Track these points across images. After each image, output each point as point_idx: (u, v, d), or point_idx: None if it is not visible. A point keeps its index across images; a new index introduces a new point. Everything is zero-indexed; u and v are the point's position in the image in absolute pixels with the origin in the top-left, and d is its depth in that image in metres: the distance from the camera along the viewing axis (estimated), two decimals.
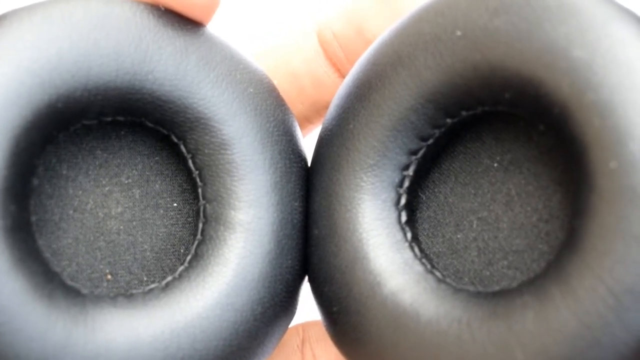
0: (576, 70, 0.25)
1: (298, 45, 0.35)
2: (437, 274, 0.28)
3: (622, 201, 0.24)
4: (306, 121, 0.36)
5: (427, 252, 0.29)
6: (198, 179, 0.30)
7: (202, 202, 0.30)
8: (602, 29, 0.25)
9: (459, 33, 0.27)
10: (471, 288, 0.28)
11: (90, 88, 0.28)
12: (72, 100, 0.27)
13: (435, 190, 0.30)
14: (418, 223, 0.30)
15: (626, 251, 0.24)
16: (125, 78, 0.28)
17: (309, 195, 0.31)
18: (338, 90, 0.31)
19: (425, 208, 0.30)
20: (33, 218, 0.28)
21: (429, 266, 0.28)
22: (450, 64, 0.27)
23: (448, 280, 0.28)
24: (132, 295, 0.29)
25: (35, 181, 0.29)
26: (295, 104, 0.35)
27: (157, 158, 0.30)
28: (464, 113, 0.28)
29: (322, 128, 0.31)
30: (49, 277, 0.27)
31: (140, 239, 0.30)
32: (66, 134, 0.29)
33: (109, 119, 0.29)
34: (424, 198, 0.30)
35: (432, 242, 0.29)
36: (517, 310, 0.25)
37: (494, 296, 0.27)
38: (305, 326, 0.35)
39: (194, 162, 0.29)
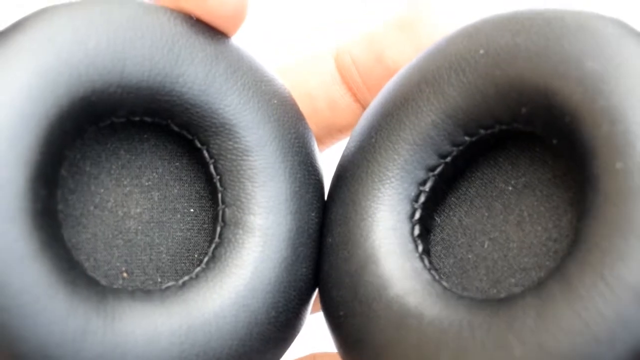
0: (589, 79, 0.26)
1: (316, 67, 0.36)
2: (444, 284, 0.29)
3: (627, 200, 0.24)
4: (319, 142, 0.37)
5: (437, 270, 0.30)
6: (218, 184, 0.30)
7: (221, 206, 0.30)
8: (617, 45, 0.26)
9: (482, 52, 0.28)
10: (478, 296, 0.29)
11: (124, 85, 0.28)
12: (105, 95, 0.28)
13: (451, 214, 0.30)
14: (431, 245, 0.30)
15: (628, 249, 0.24)
16: (156, 79, 0.29)
17: (327, 206, 0.31)
18: (365, 111, 0.32)
19: (439, 231, 0.30)
20: (60, 207, 0.29)
21: (437, 277, 0.29)
22: (472, 81, 0.28)
23: (454, 289, 0.29)
24: (149, 291, 0.29)
25: (64, 172, 0.29)
26: (309, 124, 0.36)
27: (177, 164, 0.31)
28: (482, 132, 0.29)
29: (347, 144, 0.32)
30: (73, 264, 0.28)
31: (157, 241, 0.31)
32: (93, 131, 0.30)
33: (137, 118, 0.30)
34: (439, 221, 0.30)
35: (443, 263, 0.30)
36: (519, 309, 0.26)
37: (498, 302, 0.27)
38: (317, 356, 0.35)
39: (215, 167, 0.30)
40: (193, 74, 0.29)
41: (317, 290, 0.32)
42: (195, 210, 0.31)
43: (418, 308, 0.28)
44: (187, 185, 0.31)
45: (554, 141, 0.28)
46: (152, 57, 0.29)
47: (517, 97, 0.27)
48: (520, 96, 0.27)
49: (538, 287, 0.26)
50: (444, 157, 0.30)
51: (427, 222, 0.30)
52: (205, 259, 0.30)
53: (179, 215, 0.31)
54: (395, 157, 0.30)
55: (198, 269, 0.30)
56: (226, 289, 0.29)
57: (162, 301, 0.29)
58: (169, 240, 0.31)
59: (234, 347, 0.29)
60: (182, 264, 0.31)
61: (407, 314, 0.28)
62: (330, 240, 0.30)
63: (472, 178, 0.30)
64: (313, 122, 0.36)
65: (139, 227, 0.30)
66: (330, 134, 0.37)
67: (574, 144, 0.26)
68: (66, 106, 0.27)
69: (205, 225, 0.31)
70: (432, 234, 0.30)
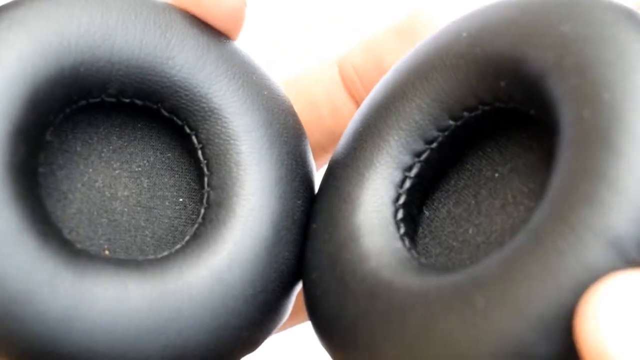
0: (560, 41, 0.26)
1: (319, 74, 0.37)
2: (423, 260, 0.29)
3: (592, 145, 0.24)
4: (322, 150, 0.38)
5: (422, 261, 0.30)
6: (205, 168, 0.31)
7: (206, 189, 0.31)
8: (591, 10, 0.27)
9: (464, 34, 0.29)
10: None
11: (114, 61, 0.30)
12: (94, 69, 0.30)
13: (440, 206, 0.31)
14: (419, 238, 0.30)
15: (592, 191, 0.24)
16: (146, 59, 0.30)
17: (316, 199, 0.32)
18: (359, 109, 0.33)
19: (427, 224, 0.31)
20: (41, 169, 0.30)
21: (415, 255, 0.29)
22: (454, 62, 0.29)
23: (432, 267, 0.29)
24: (125, 260, 0.29)
25: (49, 137, 0.30)
26: (313, 132, 0.37)
27: (169, 154, 0.32)
28: (466, 114, 0.29)
29: (338, 145, 0.33)
30: (47, 221, 0.28)
31: (142, 224, 0.31)
32: (84, 107, 0.31)
33: (128, 100, 0.31)
34: (428, 214, 0.31)
35: (429, 253, 0.30)
36: (484, 266, 0.26)
37: (467, 266, 0.27)
38: None
39: (203, 153, 0.31)
40: (183, 58, 0.31)
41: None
42: (184, 200, 0.32)
43: (390, 279, 0.28)
44: (177, 176, 0.32)
45: (532, 112, 0.28)
46: (143, 38, 0.30)
47: (496, 71, 0.28)
48: (498, 70, 0.28)
49: (503, 243, 0.26)
50: (429, 142, 0.30)
51: (412, 209, 0.30)
52: (187, 238, 0.30)
53: (167, 203, 0.32)
54: (381, 142, 0.30)
55: (178, 245, 0.30)
56: (203, 262, 0.29)
57: (136, 268, 0.29)
58: (155, 225, 0.31)
59: (206, 318, 0.29)
60: (166, 247, 0.31)
61: (379, 285, 0.28)
62: (314, 226, 0.31)
63: (461, 171, 0.31)
64: (317, 129, 0.37)
65: (125, 209, 0.31)
66: (335, 140, 0.37)
67: (547, 108, 0.27)
68: (54, 73, 0.29)
69: (194, 216, 0.31)
70: (420, 228, 0.30)
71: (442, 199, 0.31)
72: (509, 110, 0.29)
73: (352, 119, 0.32)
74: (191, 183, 0.32)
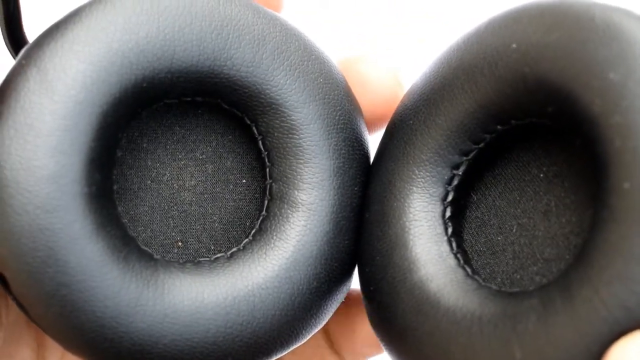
0: (608, 91, 0.26)
1: None
2: (468, 269, 0.30)
3: (629, 221, 0.25)
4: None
5: (468, 249, 0.31)
6: (267, 159, 0.32)
7: (268, 181, 0.32)
8: None
9: (514, 46, 0.29)
10: (494, 286, 0.30)
11: (174, 71, 0.30)
12: (156, 81, 0.30)
13: (486, 192, 0.32)
14: (467, 222, 0.32)
15: (625, 269, 0.25)
16: (205, 63, 0.31)
17: (368, 181, 0.33)
18: (408, 89, 0.33)
19: (474, 208, 0.32)
20: (115, 186, 0.31)
21: (461, 261, 0.30)
22: (503, 75, 0.29)
23: (476, 276, 0.30)
24: (199, 262, 0.31)
25: (119, 153, 0.31)
26: None
27: (230, 137, 0.33)
28: (513, 122, 0.30)
29: (389, 121, 0.34)
30: (126, 241, 0.30)
31: (210, 211, 0.33)
32: (149, 111, 0.32)
33: (189, 99, 0.32)
34: (475, 199, 0.32)
35: (475, 240, 0.31)
36: (524, 311, 0.27)
37: (509, 296, 0.29)
38: None
39: (263, 144, 0.32)
40: (241, 56, 0.31)
41: None
42: (247, 181, 0.33)
43: (436, 295, 0.29)
44: (239, 157, 0.33)
45: (578, 142, 0.28)
46: (201, 42, 0.30)
47: (544, 96, 0.28)
48: (547, 96, 0.28)
49: (544, 290, 0.27)
50: (477, 143, 0.31)
51: (460, 202, 0.31)
52: (253, 231, 0.32)
53: (231, 186, 0.33)
54: (430, 141, 0.31)
55: (245, 240, 0.32)
56: (270, 262, 0.31)
57: (209, 273, 0.31)
58: (222, 210, 0.33)
59: (276, 316, 0.31)
60: (235, 232, 0.33)
61: (425, 301, 0.29)
62: (367, 215, 0.32)
63: (509, 159, 0.31)
64: None
65: (194, 199, 0.33)
66: None
67: (592, 151, 0.27)
68: (118, 93, 0.29)
69: (257, 195, 0.33)
70: (467, 211, 0.32)
71: (488, 185, 0.32)
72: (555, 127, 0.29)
73: (403, 102, 0.33)
74: (252, 163, 0.33)
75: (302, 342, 0.32)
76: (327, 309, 0.33)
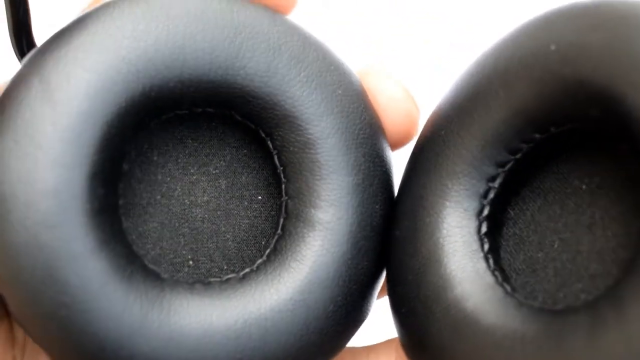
0: None
1: None
2: (507, 287, 0.28)
3: None
4: None
5: (506, 268, 0.29)
6: (282, 175, 0.30)
7: (284, 198, 0.30)
8: None
9: (553, 47, 0.27)
10: (535, 304, 0.28)
11: (184, 80, 0.28)
12: (165, 91, 0.28)
13: (524, 207, 0.30)
14: (504, 239, 0.30)
15: None
16: (217, 72, 0.29)
17: (398, 195, 0.31)
18: (440, 99, 0.31)
19: (512, 224, 0.30)
20: (121, 201, 0.29)
21: (500, 279, 0.29)
22: (541, 77, 0.27)
23: (516, 294, 0.28)
24: (209, 283, 0.30)
25: (126, 166, 0.30)
26: None
27: (245, 151, 0.31)
28: (552, 129, 0.28)
29: (421, 131, 0.32)
30: (131, 260, 0.28)
31: (223, 229, 0.31)
32: (159, 122, 0.30)
33: (200, 110, 0.30)
34: (512, 214, 0.30)
35: (514, 259, 0.29)
36: (570, 329, 0.25)
37: (553, 314, 0.27)
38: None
39: (279, 159, 0.30)
40: (255, 66, 0.29)
41: (383, 279, 0.32)
42: (263, 197, 0.31)
43: (475, 314, 0.27)
44: (255, 172, 0.31)
45: (624, 147, 0.26)
46: (213, 50, 0.29)
47: (587, 98, 0.26)
48: (590, 98, 0.26)
49: (592, 306, 0.25)
50: (514, 153, 0.29)
51: (497, 217, 0.29)
52: (267, 251, 0.30)
53: (246, 203, 0.31)
54: (464, 152, 0.29)
55: (259, 260, 0.30)
56: (284, 284, 0.29)
57: (220, 294, 0.29)
58: (236, 227, 0.31)
59: (289, 342, 0.29)
60: (249, 251, 0.31)
61: (463, 320, 0.28)
62: (398, 233, 0.30)
63: (547, 172, 0.29)
64: None
65: (206, 216, 0.31)
66: None
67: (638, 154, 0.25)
68: (124, 103, 0.28)
69: (273, 213, 0.31)
70: (505, 227, 0.30)
71: (526, 200, 0.30)
72: (599, 133, 0.28)
73: (433, 114, 0.31)
74: (269, 179, 0.31)
75: None
76: (344, 334, 0.31)
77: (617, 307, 0.24)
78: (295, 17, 0.32)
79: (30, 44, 0.30)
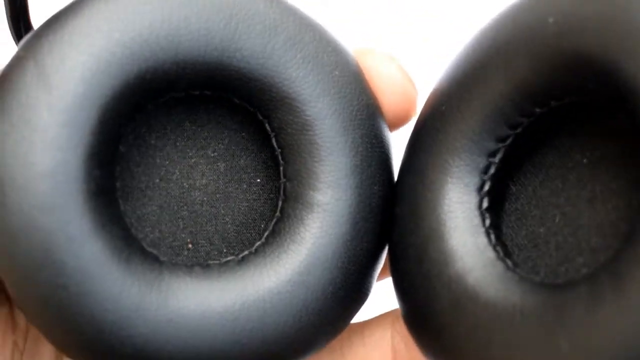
0: None
1: None
2: (508, 262, 0.28)
3: None
4: None
5: (508, 243, 0.29)
6: (280, 157, 0.30)
7: (282, 180, 0.30)
8: None
9: (550, 20, 0.27)
10: (537, 279, 0.28)
11: (179, 62, 0.28)
12: (160, 73, 0.28)
13: (526, 182, 0.30)
14: (506, 214, 0.30)
15: None
16: (213, 54, 0.29)
17: (400, 173, 0.31)
18: (440, 74, 0.31)
19: (514, 200, 0.30)
20: (118, 184, 0.29)
21: (501, 254, 0.28)
22: (540, 51, 0.27)
23: (517, 269, 0.28)
24: (208, 265, 0.29)
25: (123, 148, 0.29)
26: None
27: (243, 133, 0.31)
28: (552, 103, 0.28)
29: (421, 109, 0.32)
30: (129, 242, 0.28)
31: (222, 212, 0.31)
32: (155, 105, 0.30)
33: (197, 92, 0.30)
34: (514, 190, 0.30)
35: (515, 234, 0.29)
36: (569, 302, 0.25)
37: (553, 287, 0.27)
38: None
39: (277, 141, 0.30)
40: (251, 47, 0.29)
41: (385, 258, 0.32)
42: (261, 180, 0.31)
43: (475, 288, 0.27)
44: (254, 155, 0.31)
45: (623, 118, 0.26)
46: (208, 32, 0.29)
47: (585, 71, 0.26)
48: (588, 70, 0.26)
49: (591, 279, 0.25)
50: (514, 127, 0.29)
51: (498, 193, 0.29)
52: (266, 234, 0.30)
53: (245, 186, 0.31)
54: (464, 127, 0.29)
55: (258, 243, 0.30)
56: (282, 265, 0.29)
57: (218, 277, 0.29)
58: (235, 210, 0.31)
59: (288, 323, 0.29)
60: (248, 234, 0.31)
61: (463, 295, 0.28)
62: (399, 210, 0.30)
63: (549, 146, 0.29)
64: None
65: (205, 199, 0.31)
66: None
67: (638, 126, 0.25)
68: (119, 86, 0.28)
69: (272, 196, 0.31)
70: (507, 203, 0.30)
71: (528, 175, 0.30)
72: (599, 105, 0.27)
73: (433, 90, 0.31)
74: (268, 161, 0.31)
75: (317, 351, 0.30)
76: (344, 316, 0.31)
77: (615, 279, 0.24)
78: None
79: (28, 27, 0.30)
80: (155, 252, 0.30)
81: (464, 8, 0.70)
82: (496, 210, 0.29)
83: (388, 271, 0.32)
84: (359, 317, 0.33)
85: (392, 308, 0.35)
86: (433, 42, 0.69)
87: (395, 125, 0.32)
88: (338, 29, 0.70)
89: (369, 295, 0.31)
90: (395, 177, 0.32)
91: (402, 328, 0.34)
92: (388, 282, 0.32)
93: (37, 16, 0.31)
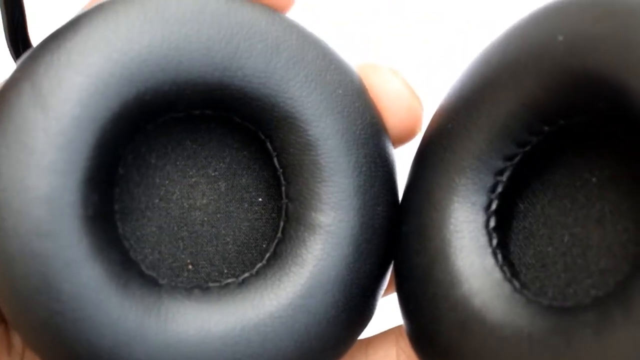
0: None
1: None
2: (515, 283, 0.28)
3: None
4: None
5: (515, 262, 0.29)
6: (282, 178, 0.30)
7: (284, 200, 0.30)
8: None
9: (560, 38, 0.26)
10: (545, 301, 0.27)
11: (179, 82, 0.28)
12: (160, 94, 0.28)
13: (534, 200, 0.29)
14: (513, 232, 0.29)
15: None
16: (214, 74, 0.28)
17: (406, 191, 0.31)
18: (447, 91, 0.31)
19: (522, 218, 0.29)
20: (116, 207, 0.29)
21: (508, 274, 0.28)
22: (549, 69, 0.27)
23: (525, 291, 0.28)
24: (208, 288, 0.29)
25: (122, 170, 0.29)
26: None
27: (245, 152, 0.30)
28: (561, 122, 0.27)
29: (427, 125, 0.31)
30: (127, 266, 0.28)
31: (223, 232, 0.30)
32: (155, 125, 0.29)
33: (197, 112, 0.29)
34: (522, 208, 0.29)
35: (523, 253, 0.29)
36: (578, 326, 0.25)
37: (562, 311, 0.26)
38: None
39: (279, 161, 0.30)
40: (252, 66, 0.28)
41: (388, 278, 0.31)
42: (263, 199, 0.31)
43: (482, 311, 0.27)
44: (255, 174, 0.31)
45: (634, 138, 0.26)
46: (209, 52, 0.28)
47: (594, 91, 0.26)
48: (597, 90, 0.26)
49: (601, 303, 0.25)
50: (522, 146, 0.28)
51: (506, 211, 0.29)
52: (267, 255, 0.30)
53: (246, 205, 0.30)
54: (471, 146, 0.28)
55: (259, 265, 0.30)
56: (284, 289, 0.29)
57: (218, 300, 0.29)
58: (236, 230, 0.30)
59: (289, 348, 0.28)
60: (250, 255, 0.30)
61: (470, 317, 0.27)
62: (405, 229, 0.30)
63: (558, 164, 0.29)
64: None
65: (205, 219, 0.30)
66: None
67: None
68: (118, 107, 0.27)
69: (274, 215, 0.30)
70: (514, 221, 0.29)
71: (536, 193, 0.29)
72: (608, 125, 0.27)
73: (439, 107, 0.31)
74: (270, 180, 0.31)
75: None
76: (346, 339, 0.30)
77: (625, 305, 0.24)
78: (293, 16, 0.31)
79: (26, 44, 0.29)
80: (154, 274, 0.29)
81: (464, 10, 0.70)
82: (504, 228, 0.29)
83: (392, 287, 0.32)
84: (362, 332, 0.33)
85: (396, 323, 0.34)
86: (433, 44, 0.69)
87: (400, 141, 0.32)
88: (338, 31, 0.70)
89: (372, 317, 0.31)
90: (401, 196, 0.31)
91: (406, 345, 0.33)
92: (392, 297, 0.32)
93: (37, 32, 0.30)
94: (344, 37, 0.68)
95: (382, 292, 0.31)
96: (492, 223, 0.29)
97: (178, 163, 0.30)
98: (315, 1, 0.69)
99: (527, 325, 0.26)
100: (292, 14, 0.31)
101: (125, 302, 0.27)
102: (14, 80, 0.27)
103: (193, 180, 0.30)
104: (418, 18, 0.70)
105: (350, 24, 0.69)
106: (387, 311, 0.36)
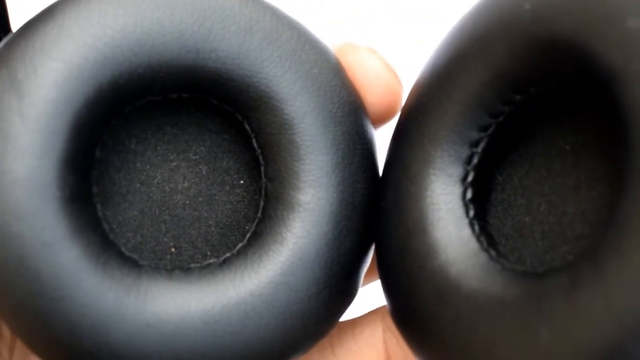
0: (627, 40, 0.24)
1: None
2: (492, 252, 0.28)
3: None
4: None
5: (495, 234, 0.29)
6: (261, 158, 0.30)
7: (264, 180, 0.30)
8: None
9: (527, 6, 0.27)
10: (520, 268, 0.28)
11: (153, 65, 0.28)
12: (134, 77, 0.28)
13: (512, 172, 0.29)
14: (493, 205, 0.29)
15: None
16: (188, 56, 0.28)
17: (385, 167, 0.31)
18: (421, 68, 0.31)
19: (500, 190, 0.29)
20: (95, 189, 0.29)
21: (485, 244, 0.28)
22: (517, 37, 0.27)
23: (502, 259, 0.28)
24: (189, 269, 0.29)
25: (99, 153, 0.29)
26: None
27: (225, 135, 0.31)
28: (532, 90, 0.27)
29: (405, 102, 0.31)
30: (106, 247, 0.28)
31: (205, 215, 0.30)
32: (133, 109, 0.30)
33: (174, 95, 0.29)
34: (501, 180, 0.29)
35: (502, 224, 0.29)
36: (550, 290, 0.25)
37: (535, 276, 0.26)
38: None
39: (257, 141, 0.30)
40: (226, 48, 0.29)
41: (371, 259, 0.31)
42: (245, 181, 0.31)
43: (457, 280, 0.27)
44: (236, 156, 0.31)
45: (603, 103, 0.26)
46: (182, 34, 0.28)
47: (561, 57, 0.26)
48: (564, 56, 0.26)
49: (571, 265, 0.25)
50: (495, 116, 0.28)
51: (484, 183, 0.29)
52: (248, 235, 0.30)
53: (227, 188, 0.31)
54: (446, 118, 0.29)
55: (240, 244, 0.30)
56: (264, 267, 0.29)
57: (199, 280, 0.29)
58: (218, 213, 0.31)
59: (271, 325, 0.28)
60: (233, 237, 0.30)
61: (446, 287, 0.27)
62: (383, 204, 0.30)
63: (533, 135, 0.29)
64: None
65: (187, 202, 0.30)
66: None
67: (616, 109, 0.25)
68: (92, 92, 0.27)
69: (256, 197, 0.31)
70: (494, 193, 0.29)
71: (514, 164, 0.29)
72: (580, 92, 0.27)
73: (414, 84, 0.31)
74: (251, 162, 0.31)
75: (303, 353, 0.30)
76: (329, 317, 0.30)
77: (595, 265, 0.24)
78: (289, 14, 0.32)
79: (7, 31, 0.30)
80: (136, 256, 0.29)
81: (460, 9, 0.70)
82: (482, 201, 0.29)
83: (377, 273, 0.32)
84: (349, 316, 0.33)
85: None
86: (429, 43, 0.69)
87: (381, 120, 0.32)
88: (334, 30, 0.70)
89: (355, 295, 0.31)
90: (380, 173, 0.31)
91: (392, 323, 0.33)
92: (379, 284, 0.32)
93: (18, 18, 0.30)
94: (340, 36, 0.68)
95: (364, 269, 0.31)
96: (469, 195, 0.29)
97: (159, 148, 0.30)
98: (311, 0, 0.69)
99: (500, 292, 0.26)
100: (290, 12, 0.32)
101: (105, 282, 0.27)
102: None
103: (174, 164, 0.30)
104: (414, 17, 0.70)
105: (346, 23, 0.69)
106: (375, 297, 0.36)
